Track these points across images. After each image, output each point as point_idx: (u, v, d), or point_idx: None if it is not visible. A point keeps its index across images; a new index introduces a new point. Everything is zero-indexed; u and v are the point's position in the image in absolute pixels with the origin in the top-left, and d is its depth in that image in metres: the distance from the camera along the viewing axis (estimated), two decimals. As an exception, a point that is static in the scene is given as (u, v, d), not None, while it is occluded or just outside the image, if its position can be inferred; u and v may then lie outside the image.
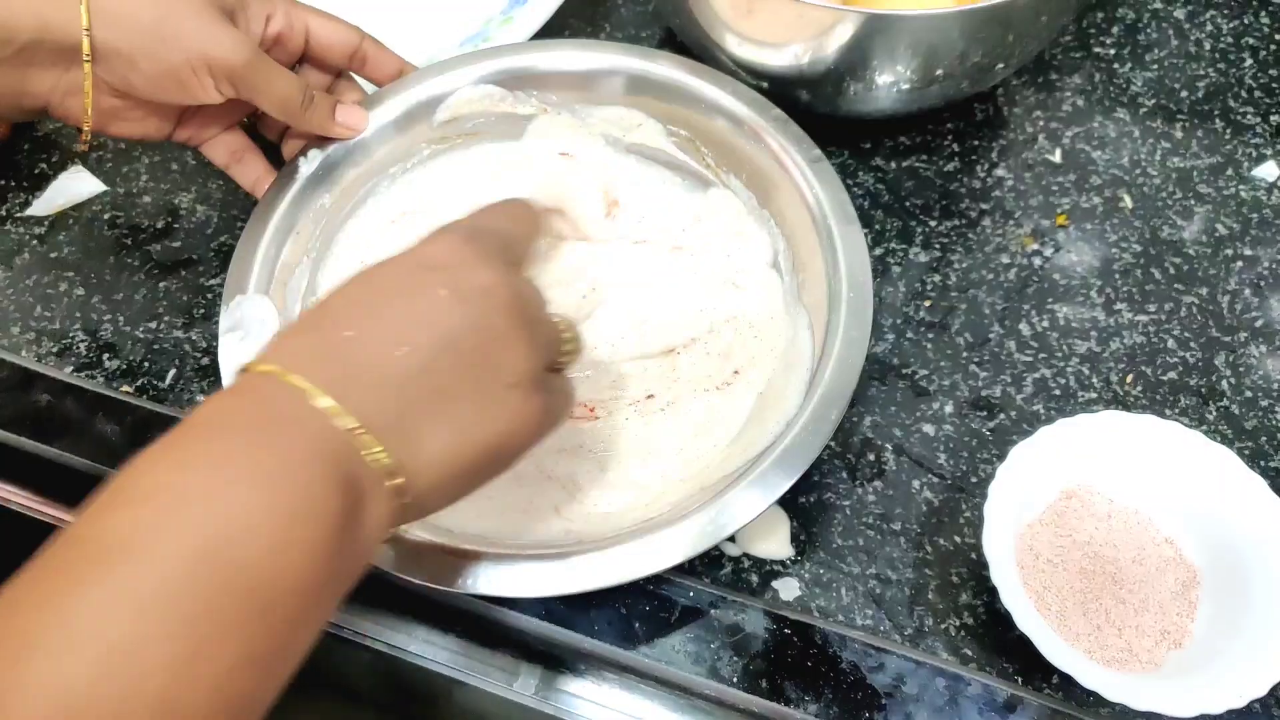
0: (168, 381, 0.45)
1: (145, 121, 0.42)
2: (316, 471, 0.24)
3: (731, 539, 0.41)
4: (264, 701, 0.23)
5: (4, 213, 0.51)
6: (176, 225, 0.50)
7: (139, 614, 0.21)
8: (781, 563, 0.41)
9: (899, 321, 0.47)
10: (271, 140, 0.46)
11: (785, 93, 0.49)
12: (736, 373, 0.42)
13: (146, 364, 0.46)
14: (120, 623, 0.21)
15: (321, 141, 0.44)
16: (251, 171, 0.45)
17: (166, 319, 0.47)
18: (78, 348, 0.47)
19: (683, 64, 0.47)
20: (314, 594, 0.24)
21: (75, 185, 0.51)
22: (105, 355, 0.47)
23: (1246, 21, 0.57)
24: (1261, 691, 0.33)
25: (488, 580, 0.34)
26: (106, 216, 0.51)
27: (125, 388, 0.45)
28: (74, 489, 0.45)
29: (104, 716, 0.20)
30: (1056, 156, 0.52)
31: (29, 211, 0.51)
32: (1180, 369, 0.45)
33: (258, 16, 0.41)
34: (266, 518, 0.23)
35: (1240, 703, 0.33)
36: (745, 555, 0.41)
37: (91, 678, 0.20)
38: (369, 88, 0.47)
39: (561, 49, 0.48)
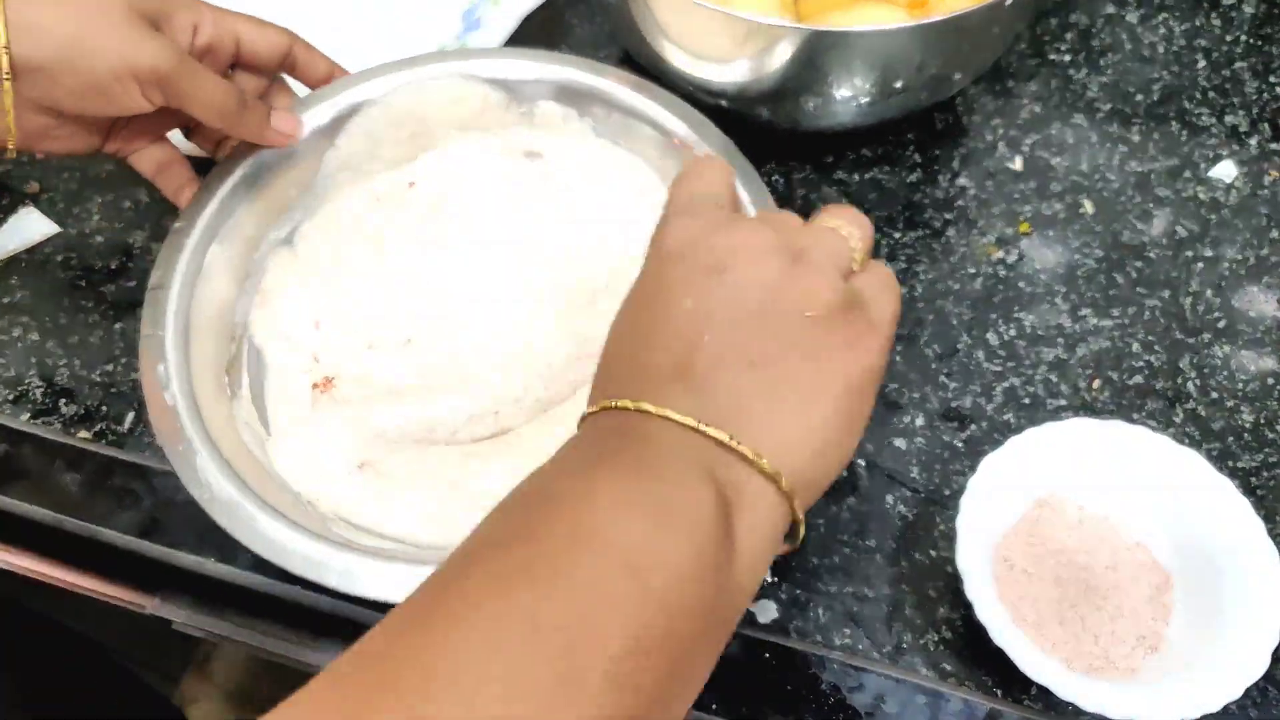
0: (126, 425, 0.45)
1: (73, 138, 0.41)
2: (679, 466, 0.24)
3: (707, 562, 0.41)
4: (665, 701, 0.22)
5: (-47, 258, 0.50)
6: (130, 264, 0.49)
7: (536, 594, 0.21)
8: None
9: (867, 335, 0.47)
10: (207, 153, 0.46)
11: (744, 110, 0.49)
12: None
13: (104, 408, 0.45)
14: (504, 651, 0.21)
15: (253, 149, 0.44)
16: (179, 181, 0.45)
17: (124, 361, 0.46)
18: (34, 394, 0.46)
19: (627, 79, 0.46)
20: (704, 584, 0.23)
21: (27, 227, 0.50)
22: (62, 400, 0.45)
23: (1198, 23, 0.58)
24: (1236, 694, 0.34)
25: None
26: (59, 258, 0.50)
27: (83, 433, 0.44)
28: (34, 539, 0.44)
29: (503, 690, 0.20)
30: (1017, 164, 0.52)
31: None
32: (1146, 373, 0.46)
33: (184, 26, 0.40)
34: (647, 508, 0.23)
35: (1216, 707, 0.33)
36: (721, 578, 0.41)
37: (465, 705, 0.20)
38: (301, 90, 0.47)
39: (494, 58, 0.47)
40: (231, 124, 0.41)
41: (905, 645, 0.39)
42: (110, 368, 0.46)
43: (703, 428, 0.25)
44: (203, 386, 0.39)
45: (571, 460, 0.26)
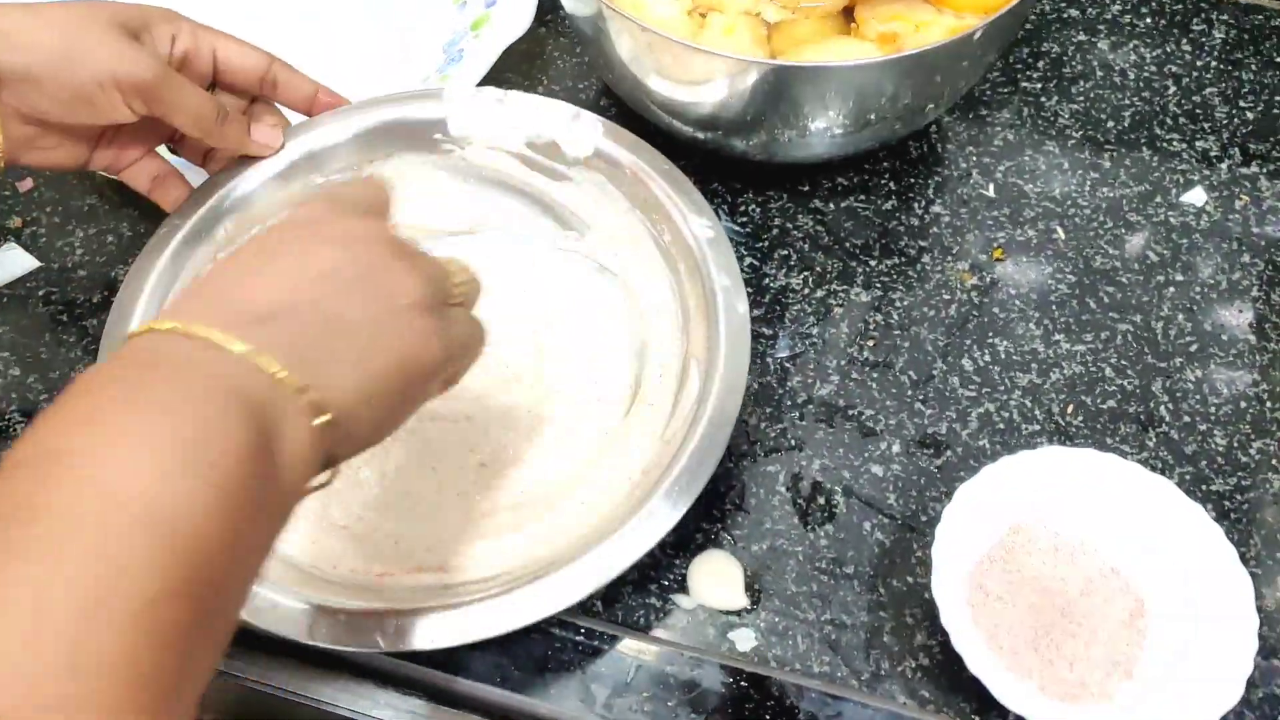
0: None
1: (59, 149, 0.42)
2: (216, 402, 0.24)
3: (685, 590, 0.41)
4: (202, 641, 0.23)
5: (-64, 293, 0.50)
6: (113, 298, 0.49)
7: (43, 569, 0.21)
8: (736, 613, 0.41)
9: (843, 362, 0.47)
10: (196, 165, 0.46)
11: (721, 142, 0.50)
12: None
13: (86, 443, 0.45)
14: (20, 579, 0.20)
15: (241, 163, 0.45)
16: (175, 194, 0.45)
17: (106, 395, 0.46)
18: (14, 429, 0.46)
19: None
20: (231, 523, 0.23)
21: (8, 263, 0.50)
22: (43, 436, 0.46)
23: (1169, 50, 0.59)
24: (1211, 721, 0.34)
25: (396, 637, 0.34)
26: (41, 293, 0.50)
27: (64, 468, 0.44)
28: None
29: (11, 670, 0.20)
30: (990, 191, 0.53)
31: None
32: (1119, 397, 0.46)
33: (163, 37, 0.41)
34: (166, 452, 0.23)
35: (1190, 734, 0.34)
36: (700, 607, 0.41)
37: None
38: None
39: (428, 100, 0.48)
40: (211, 134, 0.42)
41: (884, 672, 0.39)
42: (91, 402, 0.46)
43: (255, 358, 0.25)
44: None
45: (90, 401, 0.24)
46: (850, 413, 0.46)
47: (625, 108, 0.53)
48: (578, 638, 0.39)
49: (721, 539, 0.42)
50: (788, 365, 0.47)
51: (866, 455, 0.45)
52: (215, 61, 0.43)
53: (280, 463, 0.25)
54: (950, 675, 0.39)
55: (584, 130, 0.46)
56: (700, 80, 0.45)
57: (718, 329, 0.40)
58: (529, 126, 0.47)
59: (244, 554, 0.24)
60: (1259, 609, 0.36)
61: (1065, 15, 0.61)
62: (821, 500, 0.43)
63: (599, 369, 0.45)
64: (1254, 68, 0.58)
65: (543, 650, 0.39)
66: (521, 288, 0.47)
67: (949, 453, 0.45)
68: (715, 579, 0.41)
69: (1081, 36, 0.60)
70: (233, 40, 0.44)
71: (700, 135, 0.50)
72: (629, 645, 0.39)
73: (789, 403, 0.46)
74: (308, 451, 0.26)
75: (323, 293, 0.28)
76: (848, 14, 0.48)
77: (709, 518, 0.43)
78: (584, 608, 0.40)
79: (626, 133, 0.46)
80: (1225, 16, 0.60)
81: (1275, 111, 0.56)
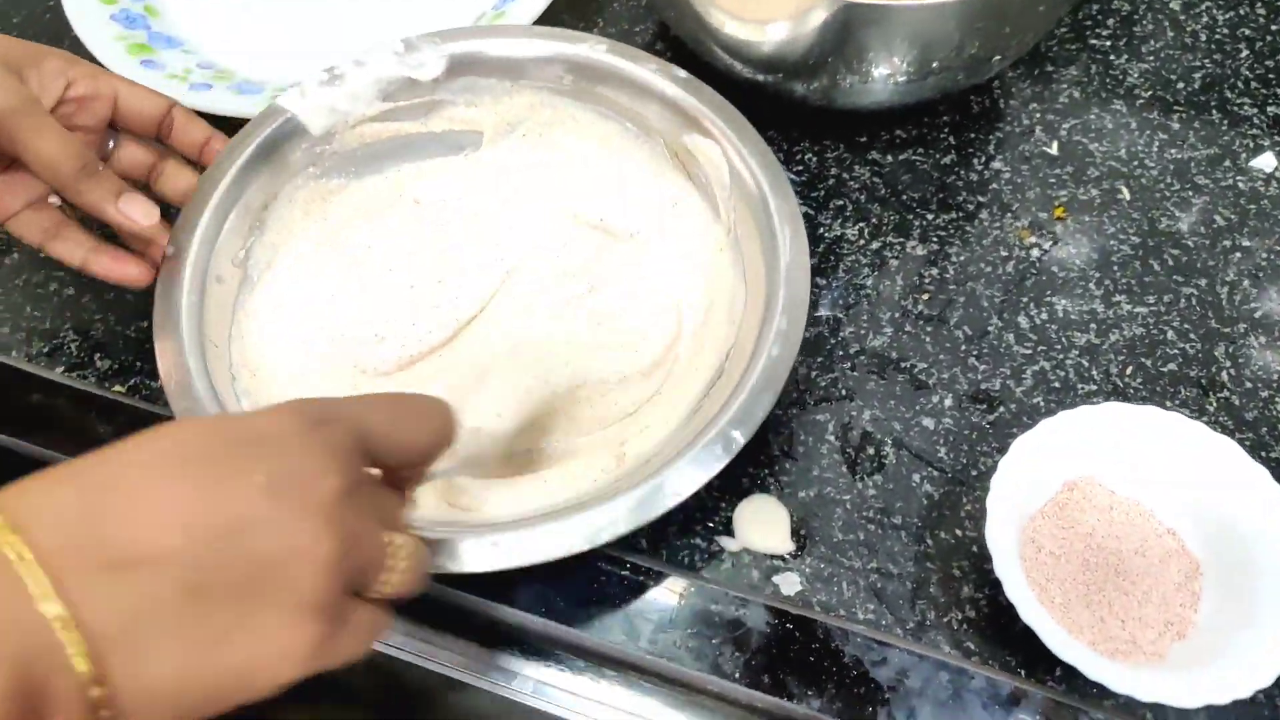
0: (160, 381, 0.45)
1: None
2: None
3: (731, 534, 0.41)
4: None
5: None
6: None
7: None
8: (781, 557, 0.40)
9: (897, 315, 0.47)
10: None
11: (781, 85, 0.49)
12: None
13: (139, 364, 0.46)
14: None
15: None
16: (75, 249, 0.41)
17: (158, 318, 0.47)
18: (69, 348, 0.46)
19: (619, 49, 0.46)
20: None
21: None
22: (96, 355, 0.46)
23: (1242, 12, 0.57)
24: (1267, 682, 0.33)
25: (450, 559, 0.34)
26: (97, 215, 0.50)
27: (117, 388, 0.45)
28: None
29: None
30: (1054, 149, 0.52)
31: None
32: (1180, 360, 0.45)
33: (53, 75, 0.39)
34: None
35: (1246, 694, 0.33)
36: (745, 550, 0.41)
37: None
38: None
39: (492, 36, 0.47)
40: (67, 187, 0.37)
41: (929, 622, 0.39)
42: (145, 324, 0.47)
43: (62, 629, 0.21)
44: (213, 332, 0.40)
45: None
46: (903, 365, 0.45)
47: (682, 50, 0.52)
48: (623, 572, 0.39)
49: (769, 484, 0.42)
50: (840, 316, 0.47)
51: (918, 408, 0.44)
52: (116, 105, 0.41)
53: None
54: (997, 628, 0.39)
55: (426, 53, 0.45)
56: (767, 19, 0.45)
57: (778, 274, 0.40)
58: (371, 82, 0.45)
59: None
60: (1321, 574, 0.36)
61: (1137, -27, 0.59)
62: (871, 450, 0.43)
63: (649, 313, 0.44)
64: (1333, 33, 0.56)
65: (587, 583, 0.39)
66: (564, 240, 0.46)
67: (1002, 409, 0.44)
68: (761, 523, 0.41)
69: (1153, -4, 0.58)
70: (134, 85, 0.41)
71: (760, 78, 0.49)
72: (674, 583, 0.39)
73: (840, 353, 0.46)
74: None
75: (207, 560, 0.22)
76: (920, -43, 0.46)
77: (756, 463, 0.43)
78: (630, 545, 0.40)
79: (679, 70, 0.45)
80: (1305, -21, 0.58)
81: (1353, 78, 0.54)
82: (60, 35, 0.55)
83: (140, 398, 0.45)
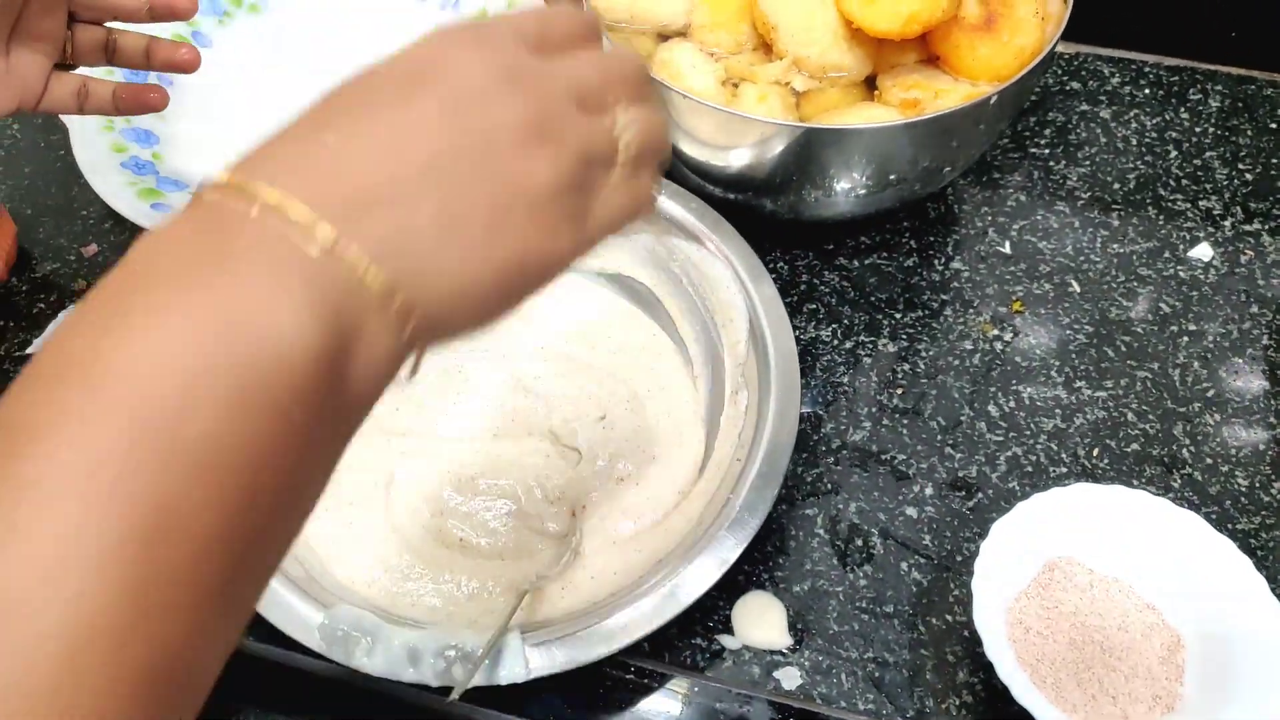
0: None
1: None
2: (287, 303, 0.20)
3: (730, 632, 0.42)
4: (242, 598, 0.20)
5: (3, 352, 0.52)
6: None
7: (78, 499, 0.17)
8: (780, 652, 0.42)
9: (874, 410, 0.49)
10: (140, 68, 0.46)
11: (750, 202, 0.53)
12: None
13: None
14: (56, 514, 0.17)
15: None
16: (104, 95, 0.45)
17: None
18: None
19: None
20: (290, 449, 0.20)
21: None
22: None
23: (1168, 117, 0.63)
24: (1255, 750, 0.34)
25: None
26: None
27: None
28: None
29: (48, 619, 0.17)
30: (1006, 248, 0.56)
31: (29, 350, 0.52)
32: (1142, 440, 0.48)
33: None
34: (223, 369, 0.19)
35: (1236, 763, 0.34)
36: (745, 647, 0.42)
37: (32, 582, 0.17)
38: None
39: None
40: None
41: (928, 709, 0.40)
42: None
43: (343, 250, 0.21)
44: None
45: (130, 280, 0.20)
46: (883, 457, 0.47)
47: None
48: (628, 676, 0.40)
49: (764, 580, 0.44)
50: (821, 413, 0.49)
51: (901, 498, 0.46)
52: None
53: (353, 374, 0.21)
54: (994, 711, 0.40)
55: None
56: (735, 144, 0.49)
57: (769, 381, 0.42)
58: None
59: (301, 483, 0.21)
60: (1293, 640, 0.37)
61: (1068, 87, 0.64)
62: (859, 541, 0.45)
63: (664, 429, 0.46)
64: (1249, 133, 0.61)
65: (594, 689, 0.40)
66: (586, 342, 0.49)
67: (980, 494, 0.46)
68: (759, 619, 0.42)
69: (1084, 106, 0.63)
70: None
71: (730, 195, 0.53)
72: (678, 684, 0.40)
73: (824, 448, 0.48)
74: (385, 362, 0.22)
75: (434, 175, 0.23)
76: (870, 83, 0.51)
77: (751, 560, 0.44)
78: (633, 648, 0.41)
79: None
80: (1219, 86, 0.64)
81: (1273, 173, 0.59)
82: (70, 183, 0.59)
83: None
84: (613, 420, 0.45)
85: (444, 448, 0.44)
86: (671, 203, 0.49)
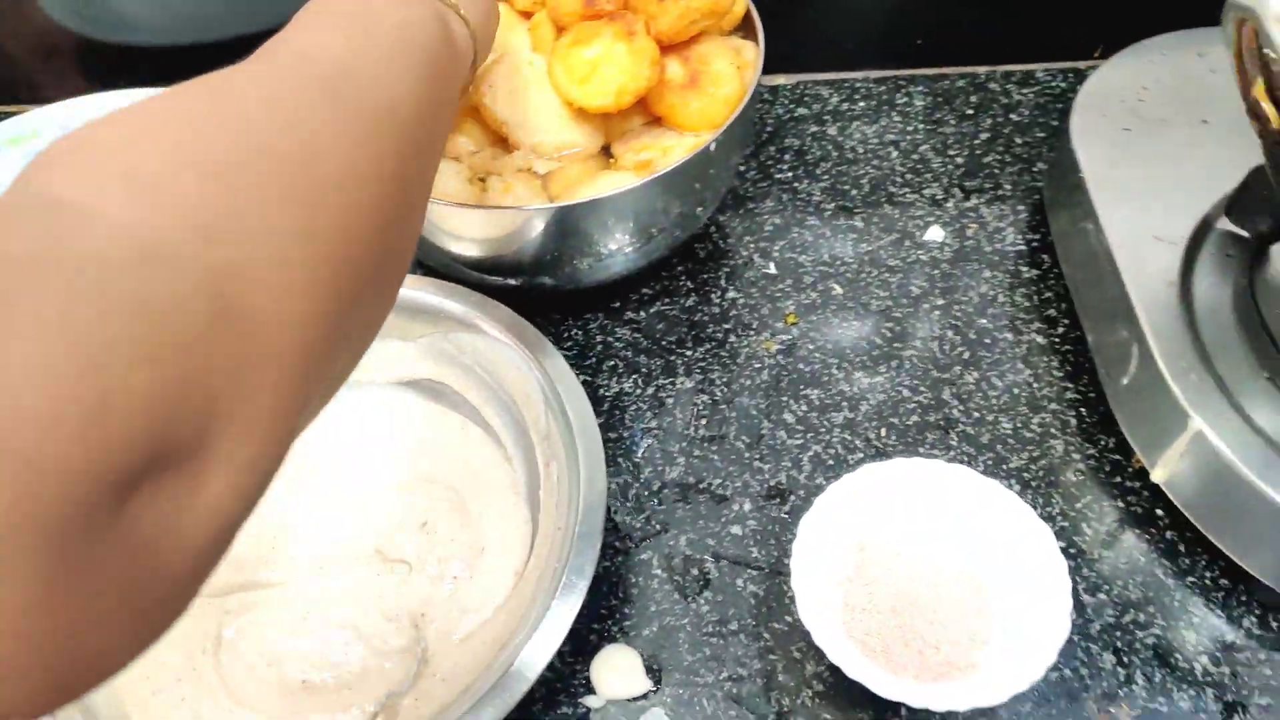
0: None
1: None
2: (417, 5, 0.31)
3: (593, 691, 0.44)
4: (401, 237, 0.28)
5: None
6: None
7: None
8: (643, 697, 0.43)
9: (684, 444, 0.52)
10: None
11: (531, 282, 0.55)
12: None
13: None
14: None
15: None
16: None
17: None
18: None
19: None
20: (432, 96, 0.29)
21: None
22: None
23: (884, 123, 0.70)
24: (1052, 658, 0.39)
25: None
26: None
27: None
28: None
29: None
30: (772, 268, 0.61)
31: None
32: (920, 411, 0.53)
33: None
34: (395, 23, 0.29)
35: (1040, 674, 0.39)
36: (609, 702, 0.43)
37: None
38: None
39: None
40: None
41: (785, 708, 0.43)
42: None
43: None
44: None
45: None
46: (701, 486, 0.51)
47: (437, 274, 0.58)
48: (501, 763, 0.41)
49: (614, 633, 0.45)
50: (638, 460, 0.52)
51: (724, 519, 0.49)
52: None
53: (454, 36, 0.33)
54: (844, 692, 0.43)
55: None
56: (497, 235, 0.52)
57: (574, 446, 0.45)
58: None
59: (437, 139, 0.31)
60: (1067, 553, 0.42)
61: (796, 114, 0.72)
62: (695, 571, 0.47)
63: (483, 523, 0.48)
64: (952, 122, 0.70)
65: (471, 786, 0.40)
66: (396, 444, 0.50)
67: (792, 497, 0.50)
68: (617, 671, 0.44)
69: (814, 128, 0.70)
70: None
71: (511, 281, 0.55)
72: (551, 755, 0.41)
73: (647, 492, 0.51)
74: (466, 49, 0.34)
75: None
76: (606, 152, 0.55)
77: (599, 617, 0.46)
78: (501, 733, 0.42)
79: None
80: (920, 87, 0.73)
81: (978, 153, 0.68)
82: None
83: None
84: (434, 524, 0.46)
85: (270, 595, 0.43)
86: (446, 299, 0.51)
